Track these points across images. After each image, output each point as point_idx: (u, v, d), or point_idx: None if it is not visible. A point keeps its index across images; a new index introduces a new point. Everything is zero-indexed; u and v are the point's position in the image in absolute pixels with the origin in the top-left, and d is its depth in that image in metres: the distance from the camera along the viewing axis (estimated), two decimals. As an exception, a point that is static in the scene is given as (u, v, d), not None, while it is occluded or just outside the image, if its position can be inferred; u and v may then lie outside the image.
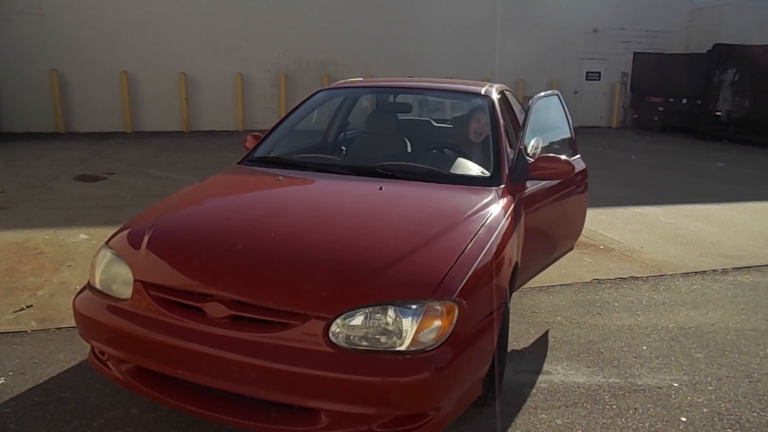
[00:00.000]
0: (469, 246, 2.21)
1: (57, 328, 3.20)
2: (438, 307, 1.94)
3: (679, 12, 16.23)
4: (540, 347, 3.21)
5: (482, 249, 2.24)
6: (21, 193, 6.38)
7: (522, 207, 2.93)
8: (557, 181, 3.25)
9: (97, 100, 11.89)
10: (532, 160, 3.02)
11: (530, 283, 3.72)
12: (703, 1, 16.22)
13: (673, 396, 2.75)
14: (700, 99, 13.79)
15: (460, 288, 2.00)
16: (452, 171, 3.09)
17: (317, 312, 1.92)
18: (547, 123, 3.78)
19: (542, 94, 3.64)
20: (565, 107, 3.91)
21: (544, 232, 3.38)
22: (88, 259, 4.18)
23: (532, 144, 4.10)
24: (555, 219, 3.53)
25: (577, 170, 3.51)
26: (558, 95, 3.88)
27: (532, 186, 3.11)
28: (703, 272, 4.55)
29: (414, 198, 2.75)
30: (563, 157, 3.04)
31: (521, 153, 3.05)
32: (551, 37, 14.56)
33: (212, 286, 2.05)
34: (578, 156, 3.87)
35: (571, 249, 3.93)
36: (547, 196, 3.30)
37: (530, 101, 3.41)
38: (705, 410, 2.63)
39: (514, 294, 3.17)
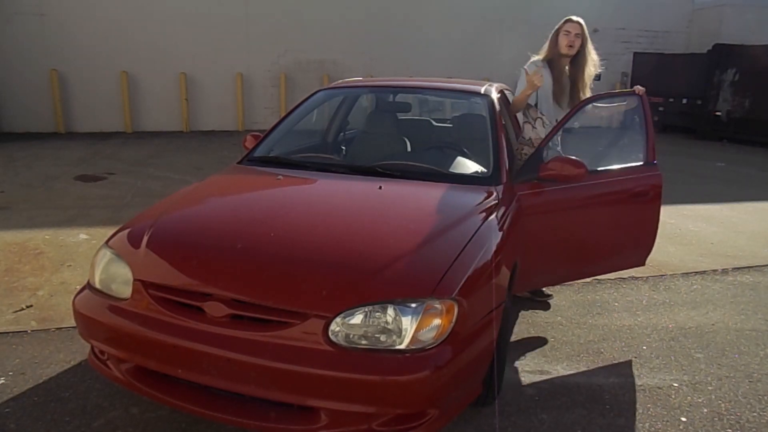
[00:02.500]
0: (468, 245, 2.21)
1: (57, 328, 3.20)
2: (437, 306, 1.94)
3: (679, 12, 16.21)
4: (540, 347, 3.21)
5: (482, 248, 2.24)
6: (21, 193, 6.38)
7: (531, 207, 2.92)
8: (593, 186, 3.16)
9: (97, 100, 11.88)
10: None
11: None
12: (703, 1, 16.20)
13: (673, 396, 2.75)
14: (700, 99, 13.77)
15: (459, 287, 2.00)
16: (451, 170, 3.09)
17: (317, 311, 1.92)
18: (606, 126, 3.66)
19: (595, 98, 3.44)
20: (646, 110, 3.46)
21: (573, 237, 3.23)
22: (88, 259, 4.18)
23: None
24: (595, 226, 3.32)
25: (646, 179, 3.32)
26: (641, 97, 3.45)
27: (552, 187, 3.02)
28: (703, 272, 4.55)
29: (413, 197, 2.74)
30: (578, 159, 2.95)
31: (536, 153, 3.04)
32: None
33: (212, 285, 2.05)
34: (653, 163, 3.42)
35: (640, 264, 3.58)
36: (577, 200, 3.17)
37: (583, 101, 3.34)
38: (705, 410, 2.63)
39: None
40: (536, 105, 3.57)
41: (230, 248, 2.19)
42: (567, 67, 3.58)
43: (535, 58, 3.66)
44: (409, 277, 2.02)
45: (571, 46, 3.49)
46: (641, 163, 3.43)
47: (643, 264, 3.60)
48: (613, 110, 3.69)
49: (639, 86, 3.47)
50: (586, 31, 3.56)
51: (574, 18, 3.55)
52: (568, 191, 3.09)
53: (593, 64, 3.58)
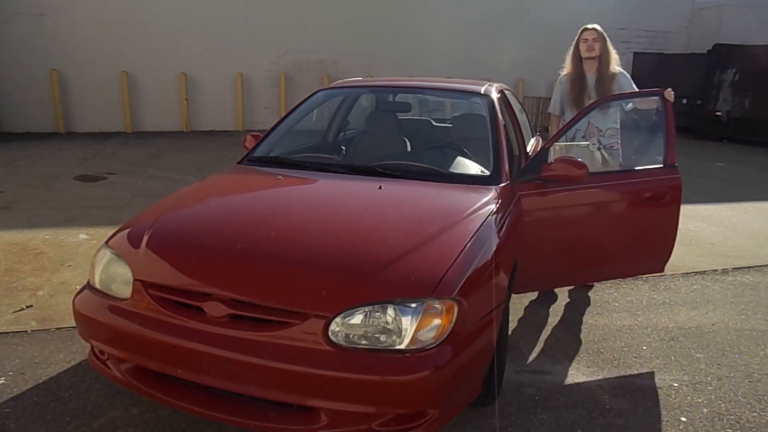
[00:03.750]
0: (468, 244, 2.21)
1: (57, 328, 3.20)
2: (437, 306, 1.94)
3: (679, 12, 16.20)
4: (540, 347, 3.21)
5: (482, 247, 2.24)
6: (21, 193, 6.38)
7: (533, 207, 2.92)
8: (604, 187, 3.15)
9: (97, 100, 11.88)
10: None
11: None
12: (703, 1, 16.20)
13: (673, 396, 2.75)
14: (700, 99, 13.77)
15: (459, 286, 2.00)
16: (451, 170, 3.09)
17: (317, 311, 1.92)
18: (623, 127, 3.75)
19: (612, 97, 3.54)
20: (668, 111, 3.33)
21: (580, 239, 3.18)
22: (88, 259, 4.18)
23: (532, 143, 4.10)
24: (605, 228, 3.26)
25: (664, 181, 3.22)
26: (661, 97, 3.34)
27: (557, 188, 2.99)
28: (703, 272, 4.55)
29: (413, 197, 2.74)
30: (580, 160, 2.92)
31: (540, 154, 3.04)
32: (551, 36, 14.47)
33: (212, 285, 2.05)
34: (673, 166, 3.27)
35: (658, 270, 3.45)
36: (584, 201, 3.14)
37: (591, 104, 3.38)
38: (705, 410, 2.63)
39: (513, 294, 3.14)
40: (560, 115, 3.83)
41: (230, 248, 2.19)
42: (594, 70, 3.78)
43: (561, 74, 3.92)
44: (408, 277, 2.01)
45: (590, 49, 3.74)
46: (660, 165, 3.31)
47: (662, 270, 3.46)
48: (646, 108, 3.69)
49: (670, 90, 3.33)
50: (604, 33, 3.78)
51: (589, 26, 3.80)
52: (575, 192, 3.05)
53: (615, 61, 3.79)
